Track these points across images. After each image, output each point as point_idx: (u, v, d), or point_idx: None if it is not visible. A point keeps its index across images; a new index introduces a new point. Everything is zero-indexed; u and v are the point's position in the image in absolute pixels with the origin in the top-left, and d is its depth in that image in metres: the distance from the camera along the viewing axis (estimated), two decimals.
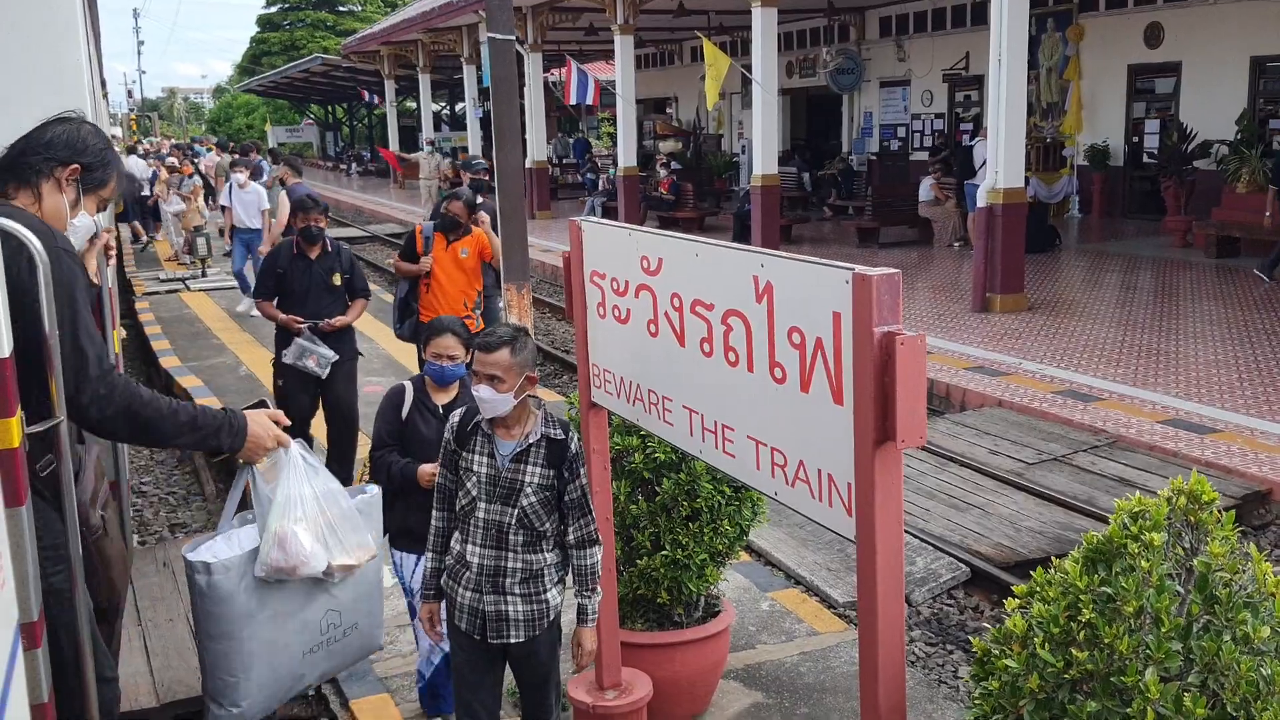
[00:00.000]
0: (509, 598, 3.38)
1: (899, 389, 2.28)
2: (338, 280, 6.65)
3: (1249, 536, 6.59)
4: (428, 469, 4.03)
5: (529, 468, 3.40)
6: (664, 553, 4.16)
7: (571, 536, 3.45)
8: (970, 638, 5.16)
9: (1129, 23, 17.76)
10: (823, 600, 5.73)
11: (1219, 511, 2.18)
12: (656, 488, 4.20)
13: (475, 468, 3.42)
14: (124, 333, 11.77)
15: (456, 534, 3.49)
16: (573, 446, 3.45)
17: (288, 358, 6.54)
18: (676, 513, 4.19)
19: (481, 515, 3.39)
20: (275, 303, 6.68)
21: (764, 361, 2.74)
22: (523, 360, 3.35)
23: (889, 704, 2.48)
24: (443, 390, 4.34)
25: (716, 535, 4.24)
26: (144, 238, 20.74)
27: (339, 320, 6.63)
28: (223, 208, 14.70)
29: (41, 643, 2.48)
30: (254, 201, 13.67)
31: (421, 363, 4.68)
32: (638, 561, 4.21)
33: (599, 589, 3.52)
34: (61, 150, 2.83)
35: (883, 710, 2.47)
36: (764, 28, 15.16)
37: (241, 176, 13.62)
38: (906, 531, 6.03)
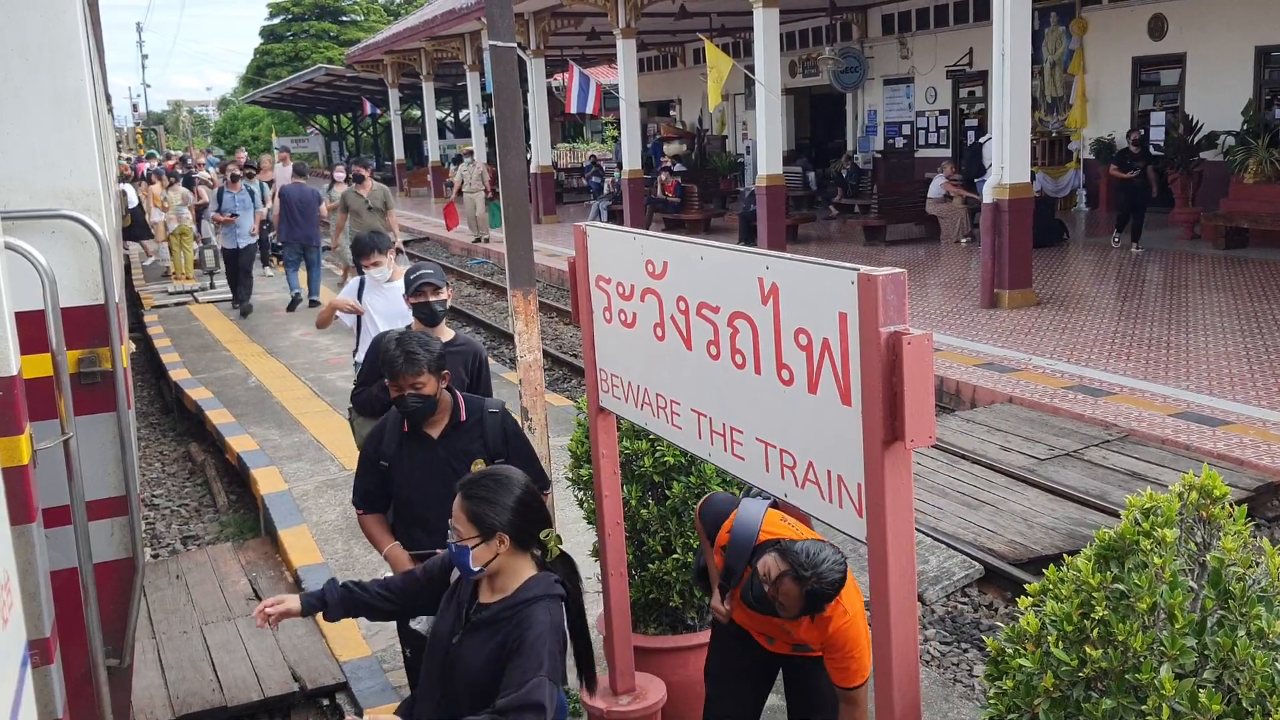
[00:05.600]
0: None
1: (907, 388, 2.28)
2: None
3: (1263, 528, 6.56)
4: None
5: None
6: (675, 556, 4.16)
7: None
8: (985, 636, 5.14)
9: (1132, 15, 17.71)
10: None
11: (1231, 506, 2.17)
12: (666, 491, 4.19)
13: None
14: (133, 346, 11.82)
15: None
16: None
17: (416, 624, 3.71)
18: (687, 516, 4.18)
19: None
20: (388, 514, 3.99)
21: (771, 363, 2.74)
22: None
23: (904, 704, 2.47)
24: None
25: None
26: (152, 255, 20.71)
27: None
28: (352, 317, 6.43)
29: (54, 659, 2.48)
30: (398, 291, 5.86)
31: None
32: (649, 566, 4.21)
33: None
34: None
35: (897, 710, 2.46)
36: (766, 28, 15.16)
37: (385, 268, 6.10)
38: (919, 530, 6.02)
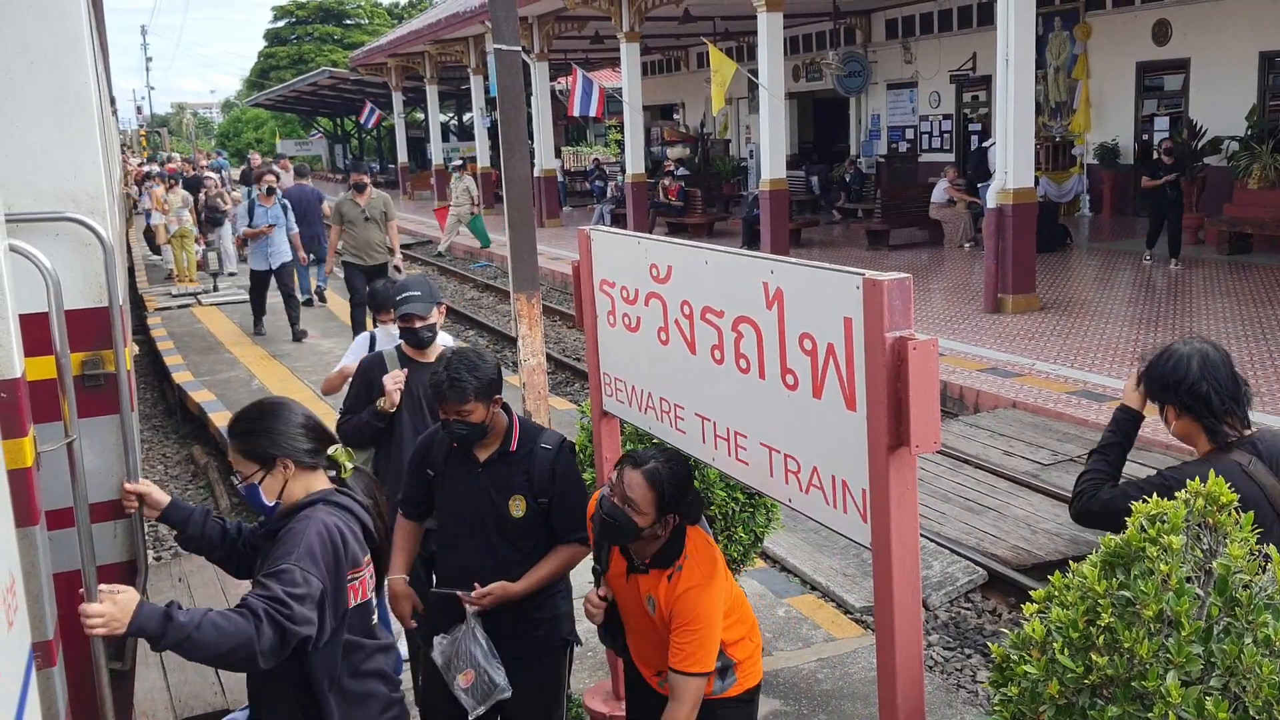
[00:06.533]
0: None
1: (912, 394, 2.27)
2: (519, 509, 3.44)
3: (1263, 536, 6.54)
4: None
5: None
6: None
7: None
8: (988, 642, 5.13)
9: (1137, 20, 17.70)
10: (839, 605, 5.71)
11: (1237, 512, 2.16)
12: None
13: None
14: (137, 349, 11.84)
15: None
16: None
17: (437, 656, 3.48)
18: None
19: None
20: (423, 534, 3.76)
21: (775, 368, 2.73)
22: None
23: (908, 710, 2.47)
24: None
25: (731, 543, 4.22)
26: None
27: (501, 589, 3.39)
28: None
29: (57, 661, 2.48)
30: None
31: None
32: None
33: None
34: None
35: (901, 716, 2.46)
36: (769, 32, 15.16)
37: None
38: (922, 535, 6.01)
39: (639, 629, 3.20)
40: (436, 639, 3.45)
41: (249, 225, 12.70)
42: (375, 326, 5.42)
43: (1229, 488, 2.43)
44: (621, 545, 3.08)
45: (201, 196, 18.53)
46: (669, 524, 3.00)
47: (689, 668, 2.94)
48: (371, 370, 4.56)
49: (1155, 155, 14.72)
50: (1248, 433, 2.87)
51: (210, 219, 17.62)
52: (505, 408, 3.50)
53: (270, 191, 12.91)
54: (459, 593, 3.37)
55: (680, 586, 2.97)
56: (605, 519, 2.99)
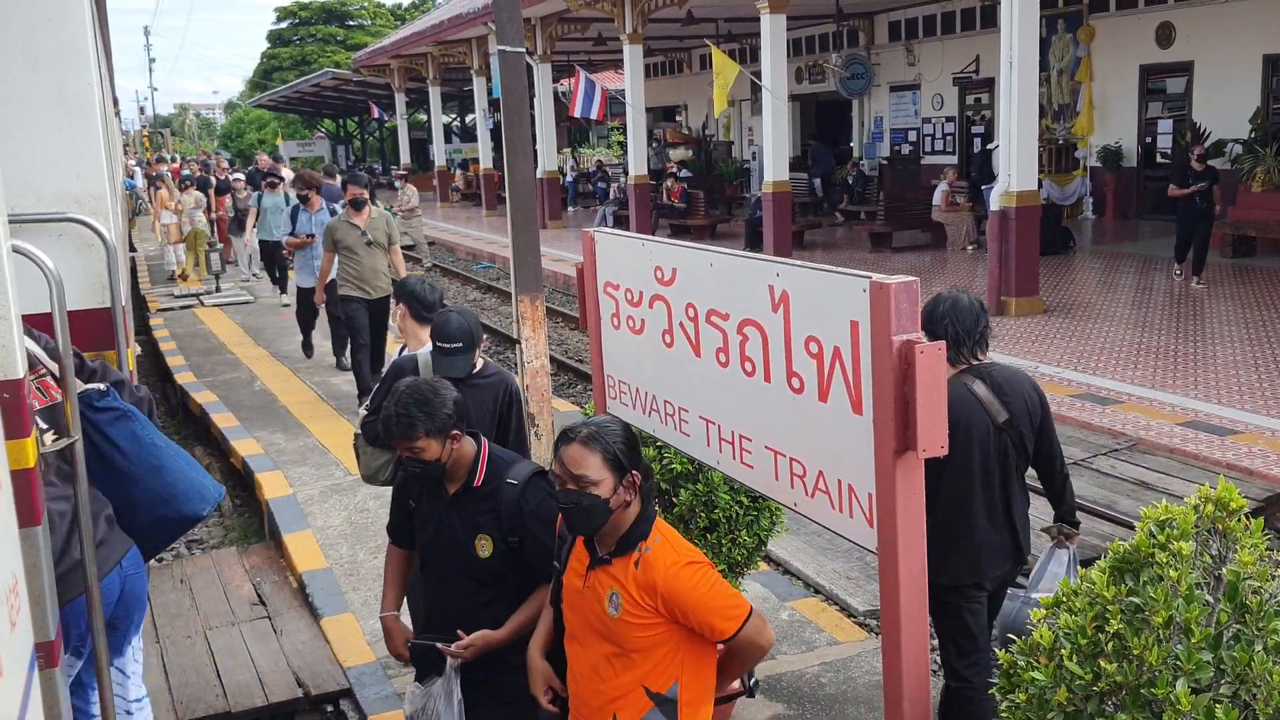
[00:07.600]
0: None
1: (919, 398, 2.26)
2: (485, 549, 3.22)
3: (1274, 541, 6.53)
4: None
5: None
6: None
7: None
8: (994, 648, 5.10)
9: (1140, 23, 17.69)
10: (843, 609, 5.69)
11: (1247, 518, 2.15)
12: (674, 499, 4.17)
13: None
14: (138, 350, 11.82)
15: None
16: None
17: (406, 705, 3.44)
18: (694, 524, 4.16)
19: None
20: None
21: (781, 371, 2.72)
22: None
23: (914, 714, 2.45)
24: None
25: (735, 546, 4.21)
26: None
27: (482, 640, 3.19)
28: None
29: (59, 661, 2.47)
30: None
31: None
32: None
33: None
34: None
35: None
36: (773, 34, 15.15)
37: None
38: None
39: (591, 651, 2.77)
40: (410, 687, 3.32)
41: (291, 234, 11.09)
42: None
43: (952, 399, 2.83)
44: (595, 532, 2.71)
45: (229, 200, 18.58)
46: (633, 485, 2.67)
47: (731, 626, 2.63)
48: (403, 373, 4.31)
49: (1185, 160, 13.61)
50: (976, 362, 3.76)
51: (239, 221, 17.60)
52: (475, 437, 3.28)
53: (305, 199, 11.29)
54: (439, 645, 3.20)
55: (658, 569, 2.62)
56: (569, 508, 2.68)
